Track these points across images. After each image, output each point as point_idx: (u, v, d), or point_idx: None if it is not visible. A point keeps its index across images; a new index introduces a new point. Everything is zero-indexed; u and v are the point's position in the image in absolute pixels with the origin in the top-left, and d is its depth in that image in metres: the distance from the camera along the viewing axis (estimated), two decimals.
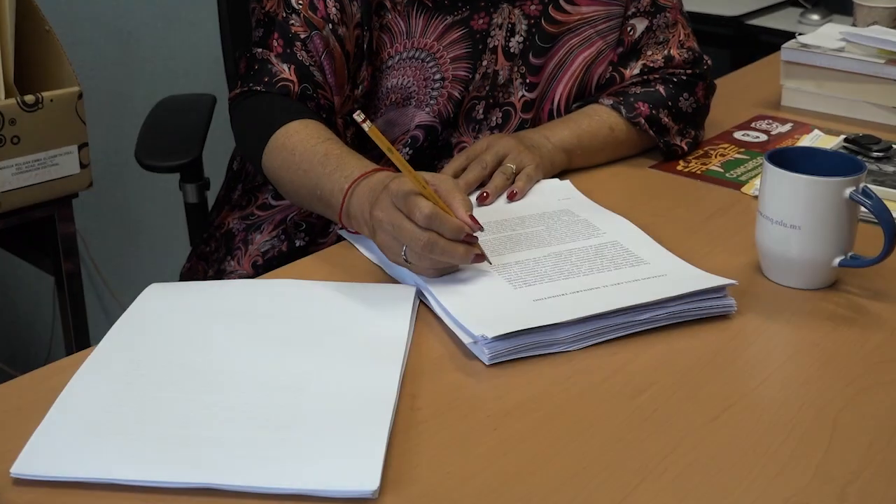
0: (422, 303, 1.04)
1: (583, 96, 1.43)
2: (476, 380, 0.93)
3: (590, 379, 0.93)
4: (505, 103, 1.38)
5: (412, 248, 1.01)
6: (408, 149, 1.34)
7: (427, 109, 1.34)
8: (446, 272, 1.05)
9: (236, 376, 0.91)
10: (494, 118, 1.38)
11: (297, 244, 1.36)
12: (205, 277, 1.44)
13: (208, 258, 1.45)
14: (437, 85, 1.33)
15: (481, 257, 1.04)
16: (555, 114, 1.42)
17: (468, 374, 0.93)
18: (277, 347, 0.96)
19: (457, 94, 1.34)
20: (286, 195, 1.27)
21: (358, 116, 0.99)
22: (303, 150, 1.19)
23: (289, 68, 1.26)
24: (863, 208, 1.04)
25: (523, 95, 1.38)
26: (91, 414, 0.86)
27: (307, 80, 1.26)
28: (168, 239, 2.37)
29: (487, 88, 1.37)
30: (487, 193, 1.24)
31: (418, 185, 1.01)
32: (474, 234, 1.02)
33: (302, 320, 1.00)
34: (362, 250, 1.14)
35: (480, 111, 1.37)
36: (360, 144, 1.33)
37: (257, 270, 1.36)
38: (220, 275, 1.39)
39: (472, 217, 1.02)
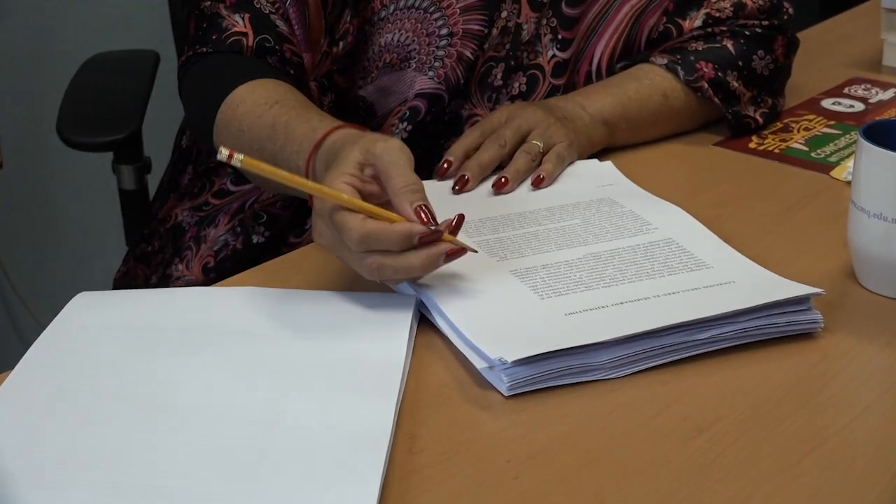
0: (423, 317, 1.05)
1: (630, 55, 1.43)
2: (492, 415, 0.94)
3: (636, 415, 0.94)
4: (530, 65, 1.39)
5: (361, 273, 1.01)
6: (405, 124, 1.35)
7: (430, 73, 1.34)
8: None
9: (187, 410, 0.92)
10: (517, 85, 1.39)
11: (255, 241, 1.37)
12: (146, 284, 1.45)
13: (150, 260, 1.46)
14: (444, 42, 1.34)
15: (457, 252, 1.01)
16: (594, 77, 1.42)
17: (482, 407, 0.94)
18: (239, 374, 0.96)
19: (468, 53, 1.35)
20: (250, 179, 1.28)
21: (221, 154, 0.96)
22: (250, 123, 1.18)
23: (242, 19, 1.26)
24: None
25: (554, 55, 1.39)
26: (4, 459, 0.86)
27: (267, 30, 1.26)
28: (98, 236, 2.38)
29: (508, 47, 1.38)
30: (506, 178, 1.24)
31: (337, 197, 0.98)
32: (433, 229, 0.98)
33: (269, 340, 1.01)
34: None
35: (499, 76, 1.38)
36: (342, 112, 1.34)
37: (208, 275, 1.37)
38: (164, 281, 1.40)
39: (421, 208, 0.98)
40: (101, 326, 1.03)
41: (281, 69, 1.27)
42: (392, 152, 0.99)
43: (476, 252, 1.06)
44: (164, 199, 1.47)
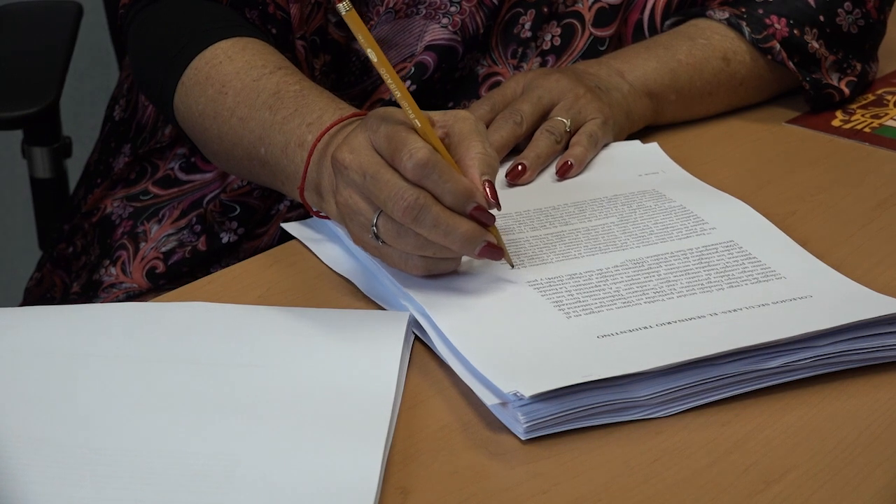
0: (418, 340, 1.06)
1: (695, 2, 1.44)
2: (505, 465, 0.94)
3: (688, 464, 0.94)
4: (567, 13, 1.40)
5: (390, 211, 1.02)
6: (408, 83, 1.35)
7: (444, 21, 1.35)
8: (439, 271, 1.07)
9: (117, 458, 0.92)
10: (548, 37, 1.40)
11: (225, 240, 1.38)
12: (65, 296, 1.46)
13: (70, 264, 1.46)
14: None
15: (496, 251, 1.05)
16: (645, 29, 1.43)
17: (492, 455, 0.95)
18: (183, 413, 0.97)
19: None
20: (214, 158, 1.28)
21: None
22: (240, 85, 1.21)
23: None
24: None
25: (597, 0, 1.40)
26: None
27: None
28: (5, 237, 2.39)
29: None
30: (524, 166, 1.25)
31: (416, 116, 1.03)
32: (490, 211, 1.03)
33: (222, 370, 1.01)
34: (322, 255, 1.16)
35: (527, 25, 1.39)
36: (337, 83, 1.35)
37: (156, 283, 1.38)
38: (91, 290, 1.41)
39: (489, 185, 1.04)
40: (9, 352, 1.03)
41: (260, 28, 1.28)
42: (469, 119, 1.07)
43: (512, 267, 1.08)
44: (91, 186, 1.47)
